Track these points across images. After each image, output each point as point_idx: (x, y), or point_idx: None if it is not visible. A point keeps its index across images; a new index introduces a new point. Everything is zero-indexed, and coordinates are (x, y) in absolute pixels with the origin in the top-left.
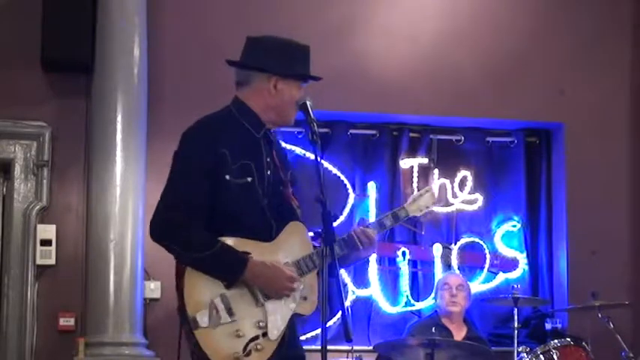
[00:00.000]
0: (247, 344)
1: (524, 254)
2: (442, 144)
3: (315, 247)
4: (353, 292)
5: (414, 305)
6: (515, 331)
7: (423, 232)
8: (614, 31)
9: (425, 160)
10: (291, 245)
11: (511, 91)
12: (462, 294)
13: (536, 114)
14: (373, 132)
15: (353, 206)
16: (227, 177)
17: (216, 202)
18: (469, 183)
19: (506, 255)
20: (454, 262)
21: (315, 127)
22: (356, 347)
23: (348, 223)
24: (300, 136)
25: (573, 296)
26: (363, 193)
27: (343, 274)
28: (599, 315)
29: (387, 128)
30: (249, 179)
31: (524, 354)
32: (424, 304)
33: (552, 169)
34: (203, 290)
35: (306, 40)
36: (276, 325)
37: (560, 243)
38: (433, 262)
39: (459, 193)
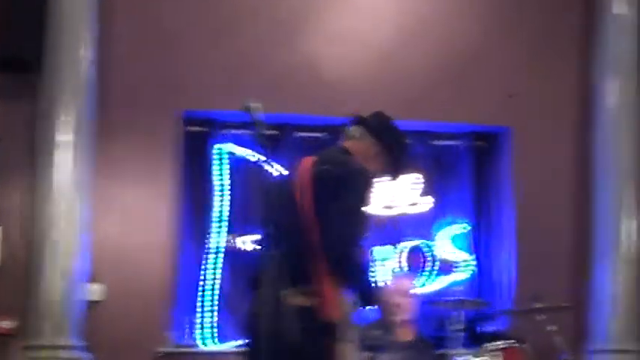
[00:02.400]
0: None
1: (470, 257)
2: None
3: None
4: None
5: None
6: (458, 333)
7: (368, 235)
8: (562, 36)
9: None
10: None
11: (459, 96)
12: (410, 300)
13: (484, 118)
14: (321, 135)
15: None
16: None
17: None
18: (416, 186)
19: (450, 257)
20: (399, 264)
21: (263, 130)
22: None
23: None
24: (247, 139)
25: (516, 299)
26: None
27: None
28: (541, 317)
29: (337, 131)
30: None
31: (466, 356)
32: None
33: (499, 172)
34: (345, 309)
35: (256, 43)
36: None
37: (505, 246)
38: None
39: (406, 196)
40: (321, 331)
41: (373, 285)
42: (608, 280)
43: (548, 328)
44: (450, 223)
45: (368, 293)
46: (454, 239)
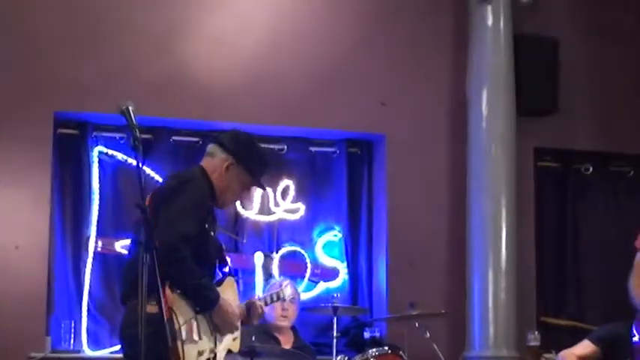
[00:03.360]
0: None
1: (345, 264)
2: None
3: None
4: None
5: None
6: (335, 340)
7: (244, 241)
8: (434, 44)
9: None
10: (227, 295)
11: (333, 102)
12: (293, 307)
13: (357, 125)
14: (196, 139)
15: None
16: (206, 226)
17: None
18: (291, 192)
19: (326, 264)
20: (275, 270)
21: (137, 133)
22: None
23: None
24: (122, 142)
25: (392, 306)
26: None
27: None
28: (417, 324)
29: (211, 136)
30: (213, 233)
31: None
32: None
33: (373, 179)
34: (183, 310)
35: (131, 46)
36: (221, 356)
37: (379, 253)
38: (254, 270)
39: (281, 202)
40: (165, 336)
41: (207, 288)
42: (484, 287)
43: (425, 334)
44: (324, 231)
45: (198, 295)
46: (328, 246)
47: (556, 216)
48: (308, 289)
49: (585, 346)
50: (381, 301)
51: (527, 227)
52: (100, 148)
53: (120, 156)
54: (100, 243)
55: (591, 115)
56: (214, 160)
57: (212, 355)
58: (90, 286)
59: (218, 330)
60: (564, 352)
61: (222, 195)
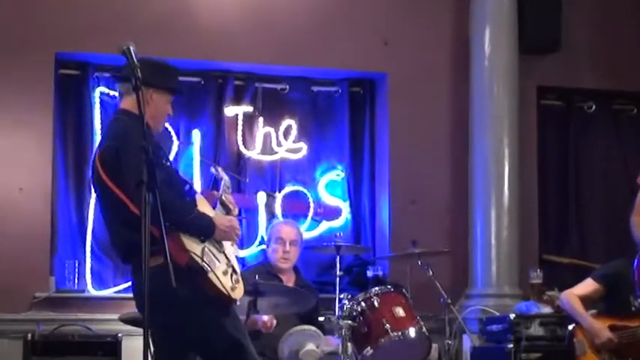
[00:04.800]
0: (231, 279)
1: (347, 203)
2: (267, 92)
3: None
4: None
5: (237, 253)
6: (338, 279)
7: (247, 180)
8: None
9: (250, 109)
10: (207, 210)
11: (335, 41)
12: (295, 248)
13: (360, 64)
14: (198, 79)
15: (177, 154)
16: (164, 161)
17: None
18: (293, 132)
19: (329, 203)
20: (278, 210)
21: (138, 73)
22: None
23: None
24: None
25: (394, 244)
26: (187, 141)
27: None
28: (419, 262)
29: (212, 76)
30: (165, 161)
31: (346, 301)
32: (248, 252)
33: (375, 119)
34: (194, 246)
35: None
36: (235, 263)
37: (382, 192)
38: (257, 210)
39: (284, 142)
40: (181, 280)
41: (201, 217)
42: (487, 226)
43: (428, 273)
44: (326, 170)
45: (198, 227)
46: (330, 185)
47: (559, 154)
48: (311, 228)
49: (588, 285)
50: (384, 239)
51: (529, 165)
52: (102, 88)
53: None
54: None
55: (594, 53)
56: (132, 97)
57: (231, 269)
58: (93, 227)
59: (222, 245)
60: (567, 292)
61: (155, 121)
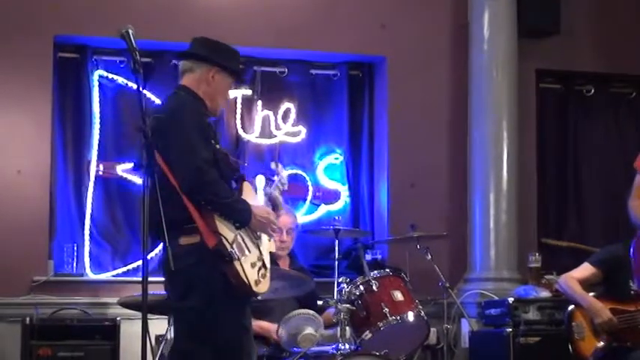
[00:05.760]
0: (258, 272)
1: (346, 186)
2: (266, 76)
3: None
4: None
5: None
6: (336, 262)
7: (246, 164)
8: None
9: (249, 92)
10: (250, 200)
11: (334, 24)
12: (291, 236)
13: (358, 47)
14: None
15: None
16: (212, 142)
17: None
18: (292, 115)
19: (328, 187)
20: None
21: (137, 56)
22: None
23: None
24: (122, 66)
25: (393, 228)
26: None
27: None
28: (418, 246)
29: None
30: (218, 146)
31: (345, 284)
32: None
33: (374, 102)
34: (227, 231)
35: None
36: (267, 259)
37: (381, 175)
38: (256, 193)
39: (282, 125)
40: (210, 262)
41: (239, 202)
42: (485, 209)
43: (426, 256)
44: (325, 153)
45: (235, 212)
46: (329, 169)
47: (557, 138)
48: (310, 211)
49: (585, 269)
50: (383, 223)
51: (528, 149)
52: (101, 71)
53: (120, 80)
54: (101, 167)
55: (593, 36)
56: (195, 75)
57: (261, 263)
58: (92, 210)
59: (258, 236)
60: (565, 275)
61: (213, 102)
